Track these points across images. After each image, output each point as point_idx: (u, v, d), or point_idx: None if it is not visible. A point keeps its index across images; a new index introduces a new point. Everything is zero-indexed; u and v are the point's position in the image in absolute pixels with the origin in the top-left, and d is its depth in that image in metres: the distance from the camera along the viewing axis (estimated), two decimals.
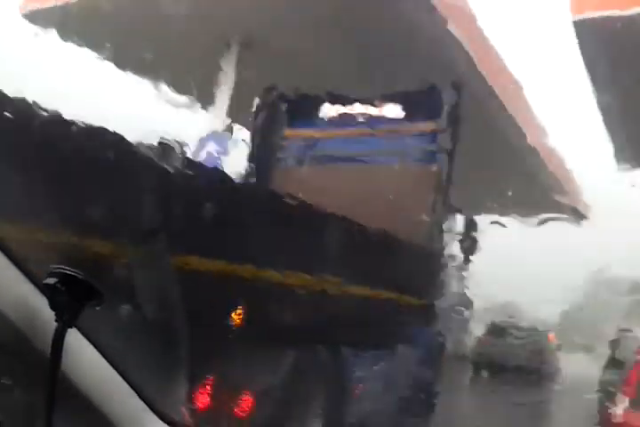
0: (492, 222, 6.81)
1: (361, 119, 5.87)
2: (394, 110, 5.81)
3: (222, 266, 3.52)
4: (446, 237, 5.63)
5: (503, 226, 6.93)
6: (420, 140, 5.69)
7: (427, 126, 5.67)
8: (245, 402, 3.12)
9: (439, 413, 4.89)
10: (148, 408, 1.22)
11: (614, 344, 7.06)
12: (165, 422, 1.24)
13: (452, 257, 5.84)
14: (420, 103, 5.72)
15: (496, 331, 8.13)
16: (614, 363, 5.87)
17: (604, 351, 6.70)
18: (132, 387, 1.21)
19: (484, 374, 7.39)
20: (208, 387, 2.85)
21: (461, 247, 5.90)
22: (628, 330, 7.39)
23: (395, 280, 4.75)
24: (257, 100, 6.40)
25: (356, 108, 5.95)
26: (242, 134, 6.93)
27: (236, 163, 6.48)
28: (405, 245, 5.03)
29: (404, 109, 5.82)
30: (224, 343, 3.13)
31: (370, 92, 5.97)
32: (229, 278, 3.55)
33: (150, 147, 3.12)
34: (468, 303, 7.09)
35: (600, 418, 3.73)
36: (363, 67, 6.84)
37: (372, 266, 4.39)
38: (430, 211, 5.33)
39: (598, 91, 7.42)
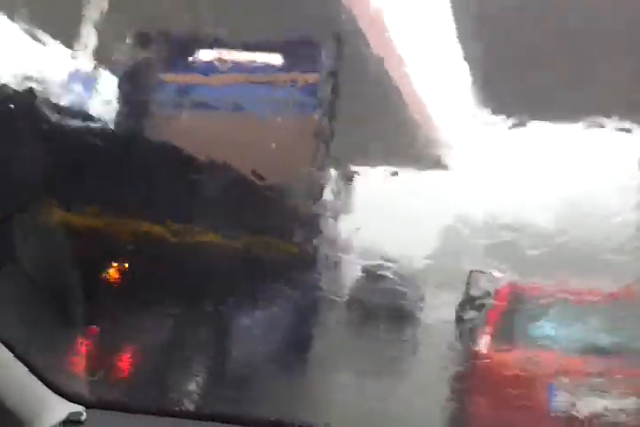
0: (367, 172, 7.06)
1: (240, 66, 5.73)
2: (274, 59, 5.73)
3: (97, 219, 3.36)
4: (325, 186, 5.78)
5: (377, 175, 7.20)
6: (300, 91, 5.69)
7: (307, 77, 5.68)
8: (128, 360, 3.07)
9: (315, 354, 5.13)
10: (36, 379, 1.15)
11: (471, 285, 7.74)
12: (55, 391, 1.18)
13: (330, 205, 6.02)
14: (300, 53, 5.68)
15: (368, 274, 8.56)
16: (472, 303, 6.44)
17: (464, 292, 7.31)
18: (17, 357, 1.13)
19: (357, 315, 7.82)
20: (91, 348, 2.76)
21: (338, 196, 6.09)
22: (485, 271, 8.09)
23: (273, 229, 4.83)
24: (128, 41, 6.00)
25: (236, 55, 5.79)
26: (111, 77, 6.48)
27: (104, 108, 6.08)
28: (285, 195, 5.10)
29: (284, 59, 5.77)
30: (104, 301, 3.03)
31: (250, 39, 5.80)
32: (105, 232, 3.40)
33: (11, 90, 2.84)
34: (343, 250, 7.39)
35: (464, 356, 4.11)
36: (245, 12, 6.59)
37: (250, 216, 4.42)
38: (311, 161, 5.43)
39: (462, 41, 7.74)
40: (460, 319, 6.53)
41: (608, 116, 7.13)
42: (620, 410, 3.22)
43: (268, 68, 5.77)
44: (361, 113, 6.41)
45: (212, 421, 1.85)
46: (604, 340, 3.59)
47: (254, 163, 4.70)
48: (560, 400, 3.45)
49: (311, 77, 5.72)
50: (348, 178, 6.23)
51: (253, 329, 4.52)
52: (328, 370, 4.78)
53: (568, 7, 6.46)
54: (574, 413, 3.30)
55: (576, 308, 3.95)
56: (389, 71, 8.35)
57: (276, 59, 5.81)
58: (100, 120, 4.58)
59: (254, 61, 5.94)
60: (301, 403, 3.83)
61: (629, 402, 3.25)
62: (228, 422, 1.82)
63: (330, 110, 5.62)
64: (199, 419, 1.94)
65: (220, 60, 6.01)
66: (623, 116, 7.47)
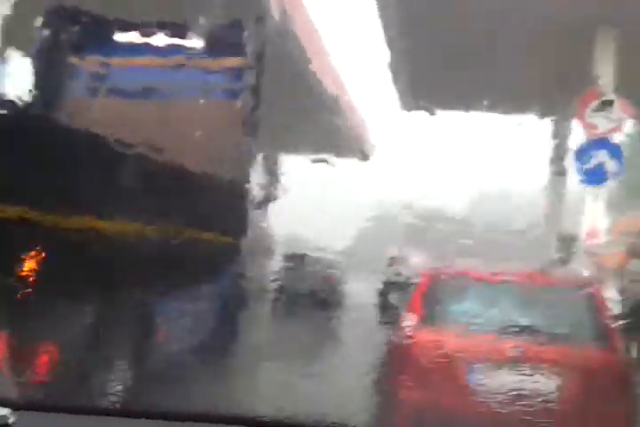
0: (292, 160, 7.08)
1: (160, 50, 5.54)
2: (196, 43, 5.58)
3: (6, 210, 3.18)
4: (251, 174, 5.73)
5: (302, 163, 7.24)
6: (224, 76, 5.58)
7: (231, 62, 5.57)
8: (50, 359, 2.95)
9: (242, 343, 5.12)
10: None
11: (392, 269, 7.99)
12: None
13: (257, 194, 5.98)
14: (223, 38, 5.56)
15: (294, 261, 8.63)
16: (393, 287, 6.64)
17: (386, 276, 7.51)
18: None
19: (282, 303, 7.87)
20: (9, 349, 2.62)
21: (266, 185, 6.07)
22: (405, 256, 8.37)
23: (199, 219, 4.74)
24: (39, 22, 5.65)
25: (156, 38, 5.58)
26: (21, 60, 6.10)
27: (14, 92, 5.73)
28: (210, 183, 5.02)
29: (207, 43, 5.62)
30: (19, 297, 2.89)
31: (170, 22, 5.62)
32: (20, 223, 3.23)
33: None
34: (270, 238, 7.40)
35: (388, 338, 4.22)
36: None
37: (174, 205, 4.31)
38: (236, 148, 5.35)
39: (388, 36, 7.89)
40: (382, 303, 6.72)
41: (521, 110, 7.49)
42: (535, 387, 3.43)
43: (188, 51, 5.61)
44: (286, 100, 6.39)
45: (140, 417, 1.82)
46: (519, 319, 3.80)
47: (178, 151, 4.59)
48: (479, 378, 3.62)
49: (235, 62, 5.61)
50: (274, 166, 6.21)
51: (180, 321, 4.45)
52: (256, 358, 4.78)
53: (484, 8, 6.71)
54: (492, 390, 3.48)
55: (492, 289, 4.14)
56: (314, 59, 8.36)
57: (197, 42, 5.66)
58: (9, 104, 4.31)
59: (174, 45, 5.76)
60: (229, 393, 3.83)
61: (543, 379, 3.46)
62: (157, 418, 1.80)
63: (255, 96, 5.54)
64: (127, 416, 1.90)
65: (136, 42, 5.78)
66: (534, 109, 7.87)
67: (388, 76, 8.47)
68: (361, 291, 8.59)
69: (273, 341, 5.90)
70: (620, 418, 3.41)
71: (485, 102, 7.27)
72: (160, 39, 5.66)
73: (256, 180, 5.97)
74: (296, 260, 9.19)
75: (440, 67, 7.64)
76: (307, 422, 1.86)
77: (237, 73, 5.60)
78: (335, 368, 4.87)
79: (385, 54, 8.18)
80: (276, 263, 8.66)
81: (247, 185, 5.80)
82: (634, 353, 4.34)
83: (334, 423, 1.80)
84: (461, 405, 3.51)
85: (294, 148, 7.81)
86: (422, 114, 6.90)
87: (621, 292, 5.50)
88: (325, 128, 8.29)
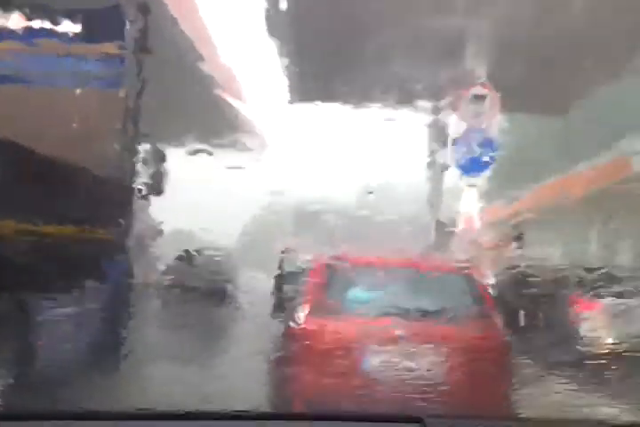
0: (179, 152, 6.88)
1: (30, 34, 5.14)
2: (72, 28, 5.23)
3: None
4: (135, 166, 5.49)
5: (189, 155, 7.07)
6: (103, 63, 5.28)
7: (110, 48, 5.27)
8: None
9: (131, 343, 4.93)
10: None
11: (285, 260, 8.06)
12: None
13: (141, 187, 5.75)
14: (102, 23, 5.25)
15: (183, 256, 8.44)
16: (287, 278, 6.69)
17: (278, 267, 7.55)
18: None
19: (173, 299, 7.68)
20: None
21: (150, 177, 5.84)
22: (298, 247, 8.46)
23: (79, 214, 4.48)
24: None
25: (33, 23, 5.17)
26: None
27: None
28: (90, 176, 4.74)
29: (84, 28, 5.28)
30: None
31: (43, 5, 5.22)
32: None
33: None
34: (156, 233, 7.15)
35: (283, 328, 4.25)
36: None
37: (50, 200, 4.04)
38: (118, 139, 5.09)
39: (272, 30, 7.89)
40: (276, 293, 6.74)
41: (403, 104, 7.79)
42: (422, 365, 3.61)
43: (64, 37, 5.25)
44: (170, 90, 6.21)
45: (24, 420, 1.71)
46: (406, 302, 3.97)
47: (52, 143, 4.29)
48: (370, 360, 3.75)
49: (114, 49, 5.32)
50: (159, 157, 5.98)
51: (64, 320, 4.19)
52: (148, 355, 4.63)
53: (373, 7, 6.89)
54: (383, 370, 3.62)
55: (380, 274, 4.29)
56: (199, 49, 8.15)
57: (73, 27, 5.30)
58: None
59: (45, 29, 5.36)
60: (118, 389, 3.69)
61: (430, 358, 3.65)
62: (46, 419, 1.70)
63: (137, 85, 5.28)
64: (10, 419, 1.78)
65: (2, 26, 5.31)
66: (414, 103, 8.23)
67: (276, 67, 8.49)
68: (254, 283, 8.58)
69: (165, 337, 5.74)
70: (499, 389, 3.68)
71: (369, 96, 7.50)
72: (30, 23, 5.26)
73: (139, 173, 5.73)
74: (185, 255, 8.99)
75: (328, 60, 7.78)
76: (204, 412, 1.83)
77: (118, 60, 5.32)
78: (230, 360, 4.84)
79: (272, 46, 8.18)
80: (164, 259, 8.43)
81: (130, 179, 5.55)
82: (521, 321, 4.71)
83: (236, 411, 1.79)
84: (354, 387, 3.61)
85: (178, 139, 7.62)
86: (310, 107, 6.98)
87: (496, 274, 5.91)
88: (211, 119, 8.15)
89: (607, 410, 3.38)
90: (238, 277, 9.14)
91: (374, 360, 3.76)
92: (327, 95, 7.69)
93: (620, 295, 4.73)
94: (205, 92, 8.30)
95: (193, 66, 7.74)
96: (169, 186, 6.15)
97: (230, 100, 10.32)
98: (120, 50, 5.27)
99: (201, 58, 7.99)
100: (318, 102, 6.75)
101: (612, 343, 4.35)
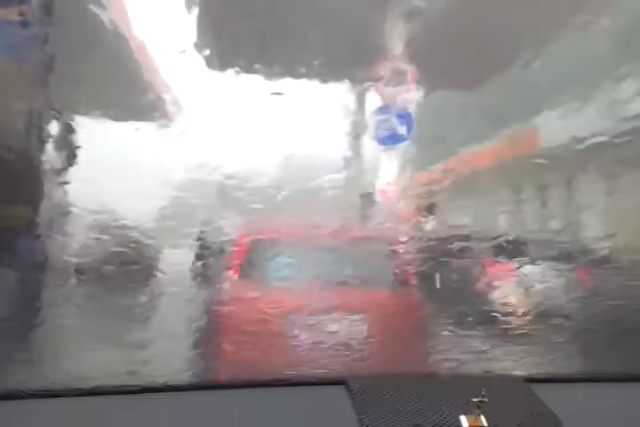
0: (91, 124, 6.59)
1: None
2: None
3: None
4: (44, 141, 5.23)
5: (102, 128, 6.79)
6: (3, 31, 4.94)
7: (11, 14, 4.94)
8: None
9: (45, 328, 4.77)
10: None
11: (206, 236, 7.97)
12: None
13: (51, 164, 5.50)
14: None
15: (99, 233, 8.15)
16: (209, 254, 6.64)
17: (201, 241, 7.46)
18: None
19: (92, 281, 7.45)
20: None
21: (59, 153, 5.59)
22: (218, 221, 8.36)
23: None
24: None
25: None
26: None
27: None
28: None
29: None
30: None
31: None
32: None
33: None
34: (68, 211, 6.87)
35: (208, 305, 4.26)
36: None
37: None
38: (25, 113, 4.83)
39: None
40: (199, 269, 6.68)
41: (324, 76, 7.81)
42: (348, 332, 3.74)
43: None
44: (79, 57, 5.89)
45: None
46: (331, 272, 4.08)
47: None
48: (296, 329, 3.84)
49: (15, 14, 4.99)
50: (69, 131, 5.72)
51: None
52: (64, 339, 4.50)
53: None
54: (309, 339, 3.72)
55: (304, 245, 4.37)
56: (111, 12, 7.76)
57: None
58: None
59: None
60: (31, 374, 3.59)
61: (355, 324, 3.79)
62: None
63: (44, 53, 5.00)
64: None
65: None
66: (334, 76, 8.26)
67: (194, 34, 8.24)
68: (176, 259, 8.44)
69: (84, 319, 5.58)
70: (416, 348, 3.88)
71: (289, 67, 7.45)
72: None
73: (48, 148, 5.47)
74: (102, 230, 8.67)
75: (250, 27, 7.64)
76: (130, 385, 1.85)
77: (21, 25, 5.00)
78: (155, 342, 4.77)
79: (189, 13, 7.93)
80: (78, 237, 8.11)
81: (39, 155, 5.30)
82: (438, 284, 4.93)
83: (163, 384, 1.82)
84: (279, 354, 3.70)
85: (90, 110, 7.29)
86: (229, 76, 6.86)
87: (413, 241, 6.13)
88: (125, 87, 7.84)
89: (515, 365, 3.63)
90: (160, 252, 8.97)
91: (297, 327, 3.86)
92: (247, 64, 7.59)
93: (528, 261, 5.05)
94: (119, 60, 7.97)
95: (104, 31, 7.39)
96: (83, 159, 5.92)
97: (146, 68, 9.94)
98: (23, 16, 4.96)
99: (113, 24, 7.64)
100: (238, 70, 6.64)
101: (520, 305, 4.65)
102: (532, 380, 2.59)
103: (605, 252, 4.42)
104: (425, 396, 2.39)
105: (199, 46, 8.63)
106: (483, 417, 2.29)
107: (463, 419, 2.30)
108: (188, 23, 8.44)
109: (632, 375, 2.79)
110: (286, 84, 8.22)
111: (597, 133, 4.68)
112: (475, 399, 2.27)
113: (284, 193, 7.41)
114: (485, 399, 2.26)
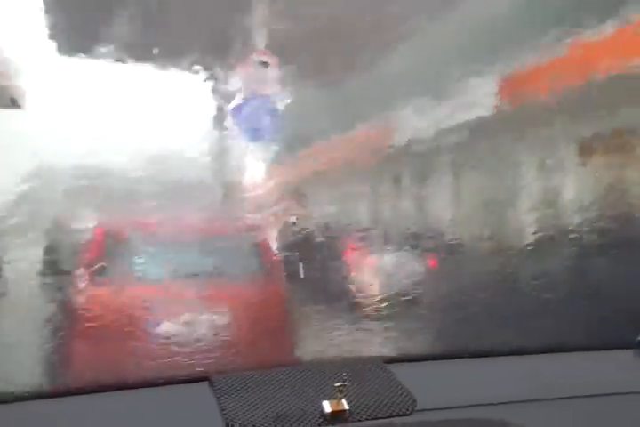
0: None
1: None
2: None
3: None
4: None
5: None
6: None
7: None
8: None
9: None
10: None
11: (56, 232, 7.44)
12: None
13: None
14: None
15: None
16: (61, 251, 6.20)
17: (50, 238, 6.96)
18: None
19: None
20: None
21: None
22: (71, 216, 7.84)
23: None
24: None
25: None
26: None
27: None
28: None
29: None
30: None
31: None
32: None
33: None
34: None
35: (61, 304, 3.97)
36: None
37: None
38: None
39: None
40: (49, 268, 6.20)
41: (184, 66, 7.57)
42: (211, 325, 3.66)
43: None
44: None
45: None
46: (195, 266, 3.97)
47: None
48: (159, 326, 3.70)
49: None
50: None
51: None
52: None
53: None
54: (174, 336, 3.59)
55: (167, 240, 4.22)
56: None
57: None
58: None
59: None
60: None
61: (220, 318, 3.72)
62: None
63: None
64: None
65: None
66: (196, 66, 8.04)
67: (41, 16, 7.61)
68: (22, 258, 7.79)
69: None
70: (281, 339, 3.90)
71: (149, 54, 7.15)
72: None
73: None
74: None
75: (101, 10, 7.19)
76: None
77: None
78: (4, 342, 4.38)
79: None
80: None
81: None
82: (302, 274, 4.99)
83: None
84: (141, 357, 3.54)
85: None
86: (82, 62, 6.43)
87: (279, 232, 6.17)
88: None
89: (378, 348, 3.77)
90: (5, 252, 8.24)
91: (160, 324, 3.71)
92: (96, 50, 7.15)
93: (390, 250, 5.28)
94: None
95: None
96: None
97: None
98: None
99: None
100: (83, 57, 6.22)
101: (380, 292, 4.85)
102: (390, 360, 2.70)
103: (455, 240, 4.77)
104: (289, 385, 2.41)
105: (47, 29, 8.02)
106: (344, 401, 2.34)
107: (326, 404, 2.35)
108: (32, 4, 7.80)
109: (479, 351, 3.00)
110: (142, 71, 7.89)
111: (445, 133, 4.98)
112: (336, 384, 2.31)
113: (146, 187, 7.11)
114: (346, 383, 2.31)
